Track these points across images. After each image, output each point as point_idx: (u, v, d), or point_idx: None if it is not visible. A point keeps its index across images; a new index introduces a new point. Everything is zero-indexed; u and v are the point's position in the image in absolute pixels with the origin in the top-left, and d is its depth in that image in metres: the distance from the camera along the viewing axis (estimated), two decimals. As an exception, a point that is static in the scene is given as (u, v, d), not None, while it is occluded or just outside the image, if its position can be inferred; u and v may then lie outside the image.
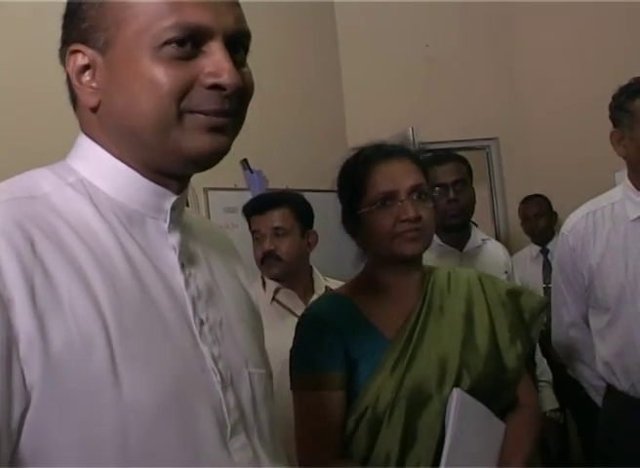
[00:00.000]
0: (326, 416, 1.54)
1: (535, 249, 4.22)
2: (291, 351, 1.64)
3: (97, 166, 0.94)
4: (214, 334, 0.95)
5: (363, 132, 4.41)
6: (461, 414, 1.50)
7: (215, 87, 0.88)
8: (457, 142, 4.31)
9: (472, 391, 1.54)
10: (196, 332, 0.93)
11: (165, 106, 0.87)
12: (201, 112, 0.88)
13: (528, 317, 1.69)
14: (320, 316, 1.64)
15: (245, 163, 3.90)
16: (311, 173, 4.07)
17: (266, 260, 2.38)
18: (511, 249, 3.81)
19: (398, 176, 1.60)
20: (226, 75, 0.87)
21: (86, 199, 0.91)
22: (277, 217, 2.39)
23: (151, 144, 0.90)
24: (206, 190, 3.75)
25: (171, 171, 0.94)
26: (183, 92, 0.87)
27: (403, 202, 1.57)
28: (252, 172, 3.91)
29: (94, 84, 0.91)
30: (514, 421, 1.63)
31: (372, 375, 1.55)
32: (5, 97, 2.75)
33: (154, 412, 0.84)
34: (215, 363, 0.93)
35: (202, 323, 0.94)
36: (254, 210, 2.45)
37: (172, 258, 0.95)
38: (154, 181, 0.94)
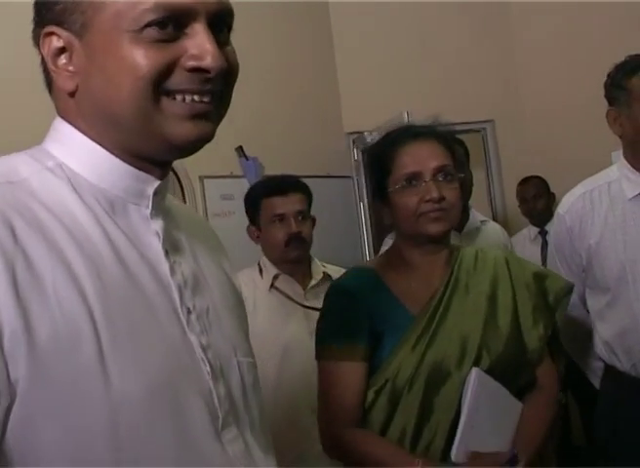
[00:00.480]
0: (348, 386, 1.59)
1: (533, 230, 4.21)
2: (318, 322, 1.70)
3: (76, 150, 0.90)
4: (201, 323, 0.92)
5: (359, 117, 4.44)
6: (479, 394, 1.53)
7: (197, 70, 0.85)
8: (452, 125, 4.28)
9: (491, 371, 1.57)
10: (184, 321, 0.90)
11: (141, 89, 0.83)
12: (180, 91, 0.85)
13: (552, 300, 1.72)
14: (348, 288, 1.68)
15: (240, 150, 3.88)
16: (307, 159, 4.06)
17: (293, 242, 2.38)
18: (509, 230, 3.80)
19: (423, 157, 1.63)
20: (210, 58, 0.84)
21: (66, 184, 0.87)
22: (299, 201, 2.41)
23: (132, 129, 0.86)
24: (202, 178, 3.75)
25: (153, 156, 0.91)
26: (163, 74, 0.84)
27: (427, 182, 1.61)
28: (247, 159, 3.90)
29: (71, 67, 0.87)
30: (531, 402, 1.66)
31: (394, 350, 1.59)
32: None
33: (145, 404, 0.81)
34: (204, 352, 0.90)
35: (189, 311, 0.91)
36: (274, 191, 2.41)
37: (156, 245, 0.92)
38: (135, 167, 0.91)
